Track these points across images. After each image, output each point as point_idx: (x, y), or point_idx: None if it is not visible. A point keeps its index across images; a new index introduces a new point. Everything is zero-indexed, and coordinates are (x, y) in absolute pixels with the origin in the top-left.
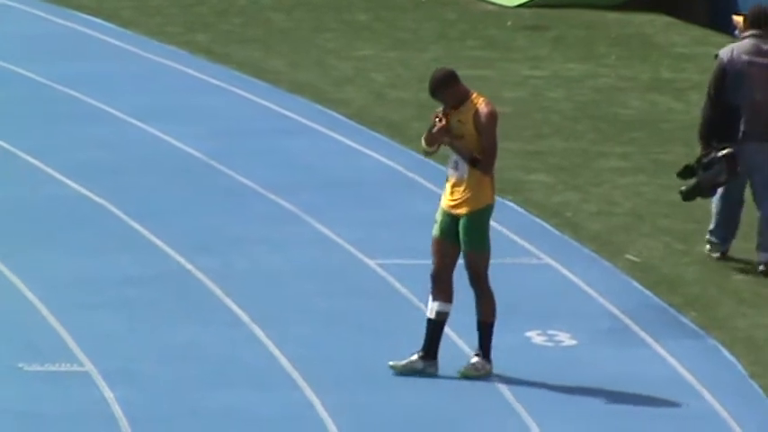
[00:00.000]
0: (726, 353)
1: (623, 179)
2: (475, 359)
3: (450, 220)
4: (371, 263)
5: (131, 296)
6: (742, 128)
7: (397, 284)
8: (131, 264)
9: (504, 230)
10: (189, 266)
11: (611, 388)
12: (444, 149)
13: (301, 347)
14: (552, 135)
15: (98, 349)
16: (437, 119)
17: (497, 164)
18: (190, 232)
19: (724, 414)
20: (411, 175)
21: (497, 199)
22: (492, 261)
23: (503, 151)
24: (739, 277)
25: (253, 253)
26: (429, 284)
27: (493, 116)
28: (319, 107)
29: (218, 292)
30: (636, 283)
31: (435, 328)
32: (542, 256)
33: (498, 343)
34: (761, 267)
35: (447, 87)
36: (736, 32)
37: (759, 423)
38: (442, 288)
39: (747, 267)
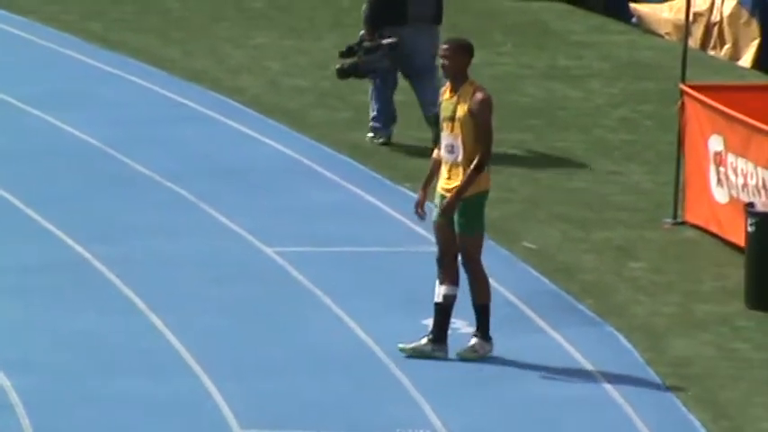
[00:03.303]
0: (623, 340)
1: (520, 167)
2: (473, 340)
3: None
4: (269, 251)
5: (28, 284)
6: (408, 12)
7: (295, 272)
8: (28, 252)
9: (401, 218)
10: (86, 255)
11: (509, 375)
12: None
13: (198, 335)
14: None
15: None
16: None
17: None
18: (87, 220)
19: (620, 400)
20: (308, 162)
21: (396, 187)
22: (389, 249)
23: (400, 138)
24: (636, 265)
25: (150, 241)
26: (435, 269)
27: (487, 103)
28: (215, 95)
29: (116, 280)
30: (533, 271)
31: (443, 311)
32: None
33: (395, 330)
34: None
35: (463, 55)
36: (634, 20)
37: (655, 409)
38: (446, 271)
39: (644, 255)
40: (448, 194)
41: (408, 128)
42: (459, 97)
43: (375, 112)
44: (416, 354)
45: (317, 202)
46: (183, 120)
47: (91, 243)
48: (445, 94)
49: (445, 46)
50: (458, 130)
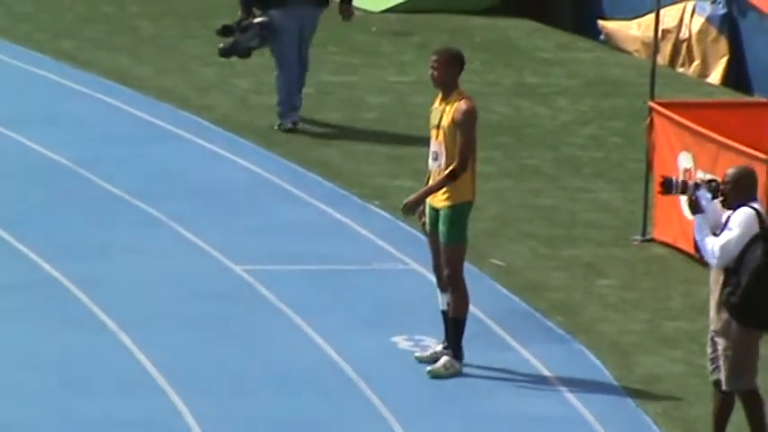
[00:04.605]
0: (592, 357)
1: (488, 184)
2: (444, 358)
3: (434, 214)
4: (238, 269)
5: None
6: None
7: (264, 290)
8: None
9: (370, 235)
10: (55, 273)
11: (478, 392)
12: (423, 144)
13: (168, 354)
14: (417, 140)
15: None
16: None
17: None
18: (56, 239)
19: (590, 417)
20: (277, 180)
21: (365, 205)
22: (358, 267)
23: (369, 156)
24: (605, 282)
25: (119, 260)
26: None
27: (470, 113)
28: (185, 113)
29: (85, 298)
30: (502, 288)
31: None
32: (408, 261)
33: (365, 348)
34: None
35: (453, 66)
36: (602, 37)
37: (625, 426)
38: (444, 279)
39: (613, 272)
40: (433, 203)
41: (379, 145)
42: (446, 106)
43: (280, 99)
44: (432, 361)
45: (287, 219)
46: (153, 138)
47: (60, 262)
48: (435, 102)
49: (434, 57)
50: (442, 137)
